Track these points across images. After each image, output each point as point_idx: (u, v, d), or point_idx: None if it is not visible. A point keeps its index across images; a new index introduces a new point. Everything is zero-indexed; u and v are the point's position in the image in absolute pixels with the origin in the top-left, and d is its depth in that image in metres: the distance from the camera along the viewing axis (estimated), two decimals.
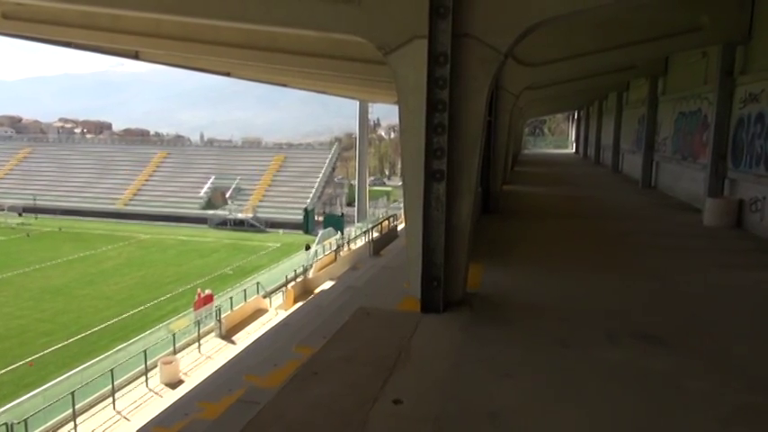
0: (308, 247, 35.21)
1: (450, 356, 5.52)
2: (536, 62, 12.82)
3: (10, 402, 16.32)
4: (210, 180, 57.83)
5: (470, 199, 6.54)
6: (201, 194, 56.14)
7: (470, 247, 6.79)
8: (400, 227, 26.13)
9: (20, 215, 51.67)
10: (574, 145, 62.36)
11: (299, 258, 32.23)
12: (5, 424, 13.62)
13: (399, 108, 6.53)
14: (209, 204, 55.37)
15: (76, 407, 14.97)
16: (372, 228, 29.08)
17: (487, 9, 6.06)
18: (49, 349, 21.32)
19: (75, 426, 14.71)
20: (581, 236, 12.87)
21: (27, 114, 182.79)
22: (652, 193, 21.01)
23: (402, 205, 34.47)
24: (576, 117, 61.06)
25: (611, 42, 12.72)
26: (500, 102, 13.72)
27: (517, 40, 6.17)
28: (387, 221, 27.74)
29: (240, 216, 52.04)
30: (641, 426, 4.37)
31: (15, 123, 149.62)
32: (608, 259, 10.33)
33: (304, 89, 34.93)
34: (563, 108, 57.03)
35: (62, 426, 14.97)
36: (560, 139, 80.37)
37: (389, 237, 22.59)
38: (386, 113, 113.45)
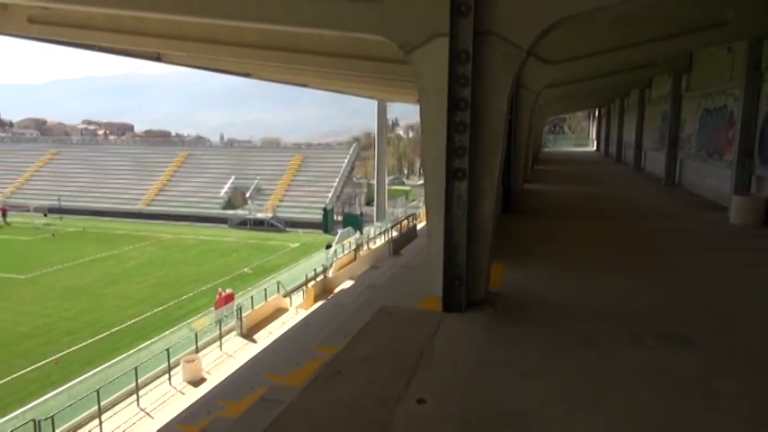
0: (328, 246, 35.21)
1: (473, 356, 5.50)
2: (557, 59, 12.70)
3: (36, 399, 16.66)
4: (230, 180, 58.21)
5: (492, 198, 6.50)
6: (222, 194, 56.55)
7: (492, 246, 6.76)
8: (419, 226, 26.09)
9: (45, 216, 52.55)
10: (595, 143, 61.75)
11: (319, 258, 32.31)
12: (33, 420, 13.86)
13: (421, 107, 6.51)
14: (230, 204, 55.74)
15: (101, 404, 15.20)
16: (392, 227, 29.08)
17: (510, 6, 6.01)
18: (74, 348, 21.65)
19: (101, 422, 14.92)
20: (603, 235, 12.72)
21: (51, 117, 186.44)
22: (676, 191, 20.70)
23: (421, 204, 34.36)
24: (596, 115, 60.44)
25: (633, 39, 12.54)
26: (521, 100, 13.63)
27: (539, 37, 6.11)
28: (406, 221, 27.69)
29: (260, 216, 52.29)
30: (668, 428, 4.30)
31: (40, 126, 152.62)
32: (632, 258, 10.19)
33: (324, 89, 35.06)
34: (584, 106, 56.47)
35: (88, 423, 15.21)
36: (581, 138, 79.54)
37: (409, 236, 22.57)
38: (404, 113, 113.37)
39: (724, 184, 15.83)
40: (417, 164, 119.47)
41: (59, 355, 20.62)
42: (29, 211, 52.13)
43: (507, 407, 4.51)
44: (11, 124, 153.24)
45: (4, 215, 51.37)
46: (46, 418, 13.87)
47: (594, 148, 60.74)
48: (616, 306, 7.26)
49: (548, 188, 22.60)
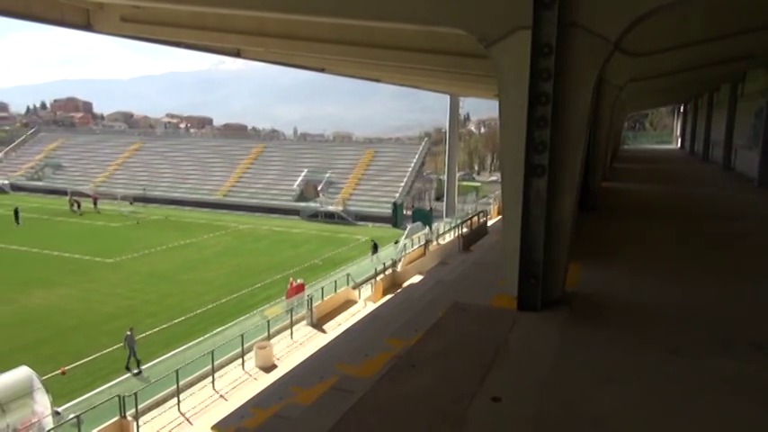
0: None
1: (549, 356, 5.35)
2: (643, 52, 12.12)
3: (121, 376, 17.78)
4: (303, 173, 59.52)
5: (572, 195, 6.30)
6: (295, 187, 57.88)
7: (571, 245, 6.55)
8: (490, 223, 25.70)
9: (131, 204, 55.63)
10: (679, 140, 58.72)
11: (387, 252, 32.50)
12: (118, 396, 14.75)
13: (500, 101, 6.38)
14: (302, 197, 56.99)
15: (179, 384, 15.95)
16: (462, 223, 28.79)
17: None
18: (154, 329, 22.82)
19: (179, 401, 15.66)
20: (689, 237, 12.06)
21: (138, 110, 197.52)
22: None
23: (491, 201, 33.57)
24: (681, 110, 57.39)
25: (727, 29, 11.78)
26: (602, 94, 13.11)
27: (629, 29, 5.83)
28: (476, 217, 27.34)
29: (331, 209, 53.16)
30: None
31: (128, 119, 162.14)
32: (721, 263, 9.60)
33: (397, 84, 35.09)
34: (668, 101, 53.74)
35: (166, 401, 16.01)
36: (663, 134, 75.85)
37: (479, 232, 22.24)
38: (476, 108, 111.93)
39: None
40: (488, 160, 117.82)
41: (141, 335, 21.77)
42: (116, 199, 55.39)
43: (586, 411, 4.37)
44: (102, 117, 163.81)
45: (95, 203, 54.80)
46: (129, 395, 14.69)
47: (678, 145, 57.79)
48: (704, 312, 6.87)
49: (627, 187, 21.69)
